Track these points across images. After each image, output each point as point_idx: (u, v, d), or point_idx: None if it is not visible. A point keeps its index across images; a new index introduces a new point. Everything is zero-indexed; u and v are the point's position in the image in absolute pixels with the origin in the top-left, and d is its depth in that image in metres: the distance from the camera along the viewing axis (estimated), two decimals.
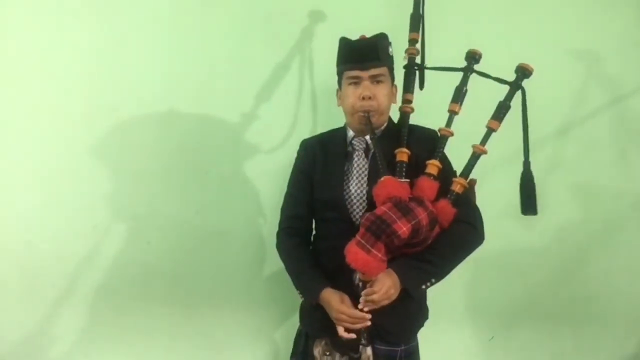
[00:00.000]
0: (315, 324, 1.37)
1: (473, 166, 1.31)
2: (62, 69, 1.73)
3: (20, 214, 1.74)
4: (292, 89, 1.82)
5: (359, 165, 1.38)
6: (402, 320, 1.22)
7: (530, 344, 1.97)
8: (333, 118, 1.52)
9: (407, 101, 1.42)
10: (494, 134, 1.31)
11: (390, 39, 1.37)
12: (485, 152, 1.30)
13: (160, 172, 1.79)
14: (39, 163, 1.73)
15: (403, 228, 1.15)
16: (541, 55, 1.79)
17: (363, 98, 1.32)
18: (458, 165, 1.34)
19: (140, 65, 1.76)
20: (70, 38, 1.73)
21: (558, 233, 1.93)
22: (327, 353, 1.31)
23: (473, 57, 1.35)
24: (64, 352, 1.79)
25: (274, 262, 1.64)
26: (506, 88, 1.31)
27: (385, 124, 1.40)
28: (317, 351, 1.34)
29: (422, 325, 1.40)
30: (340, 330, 1.24)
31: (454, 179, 1.30)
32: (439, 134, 1.35)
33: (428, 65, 1.44)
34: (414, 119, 1.41)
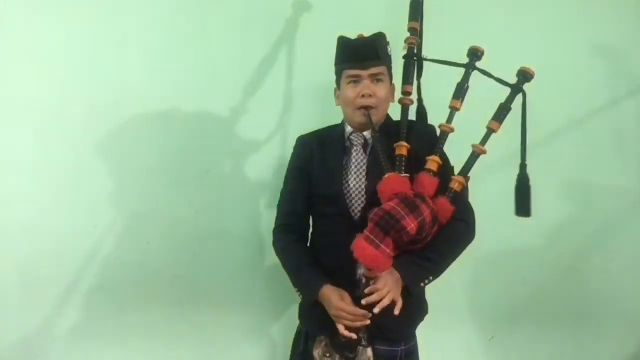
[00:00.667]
0: (314, 323, 1.37)
1: (472, 165, 1.31)
2: (62, 69, 1.73)
3: (20, 214, 1.74)
4: (294, 88, 1.82)
5: (358, 160, 1.37)
6: (402, 317, 1.22)
7: (530, 344, 1.97)
8: (334, 116, 1.51)
9: (406, 93, 1.41)
10: (494, 134, 1.30)
11: (386, 33, 1.36)
12: (485, 152, 1.30)
13: (160, 172, 1.79)
14: (39, 163, 1.73)
15: (411, 224, 1.15)
16: (543, 53, 1.81)
17: (363, 96, 1.32)
18: (456, 163, 1.34)
19: (140, 65, 1.76)
20: (70, 38, 1.73)
21: (558, 233, 1.93)
22: (328, 355, 1.30)
23: (475, 53, 1.34)
24: (64, 352, 1.79)
25: (274, 262, 1.64)
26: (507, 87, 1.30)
27: (383, 121, 1.40)
28: (317, 352, 1.32)
29: (422, 320, 1.40)
30: (341, 329, 1.23)
31: (453, 177, 1.30)
32: (437, 130, 1.35)
33: (428, 57, 1.42)
34: (413, 115, 1.40)
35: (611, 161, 1.94)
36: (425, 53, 1.44)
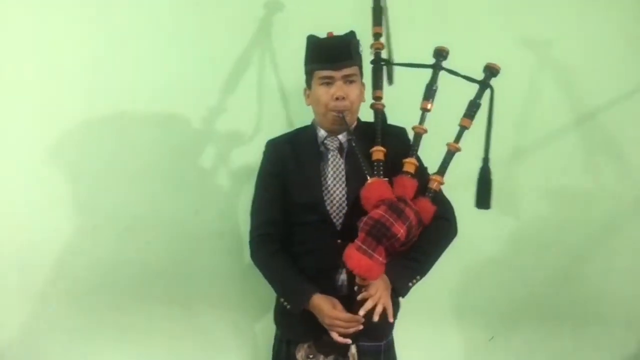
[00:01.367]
0: (297, 329, 1.35)
1: (448, 164, 1.32)
2: (61, 69, 1.73)
3: (20, 213, 1.74)
4: (293, 87, 1.82)
5: (335, 165, 1.36)
6: (386, 317, 1.23)
7: (530, 344, 1.97)
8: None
9: (377, 98, 1.39)
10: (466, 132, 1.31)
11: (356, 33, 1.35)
12: (459, 150, 1.31)
13: (159, 172, 1.79)
14: (39, 163, 1.73)
15: (401, 230, 1.15)
16: (543, 53, 1.81)
17: (337, 98, 1.31)
18: (431, 164, 1.35)
19: (140, 65, 1.76)
20: (68, 38, 1.73)
21: (558, 233, 1.93)
22: (311, 356, 1.29)
23: (440, 53, 1.34)
24: (63, 352, 1.79)
25: None
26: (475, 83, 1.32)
27: (355, 123, 1.39)
28: (299, 355, 1.32)
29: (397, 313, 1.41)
30: (335, 336, 1.23)
31: (430, 177, 1.30)
32: (408, 132, 1.35)
33: (395, 61, 1.41)
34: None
35: (612, 162, 1.94)
36: (394, 57, 1.42)
